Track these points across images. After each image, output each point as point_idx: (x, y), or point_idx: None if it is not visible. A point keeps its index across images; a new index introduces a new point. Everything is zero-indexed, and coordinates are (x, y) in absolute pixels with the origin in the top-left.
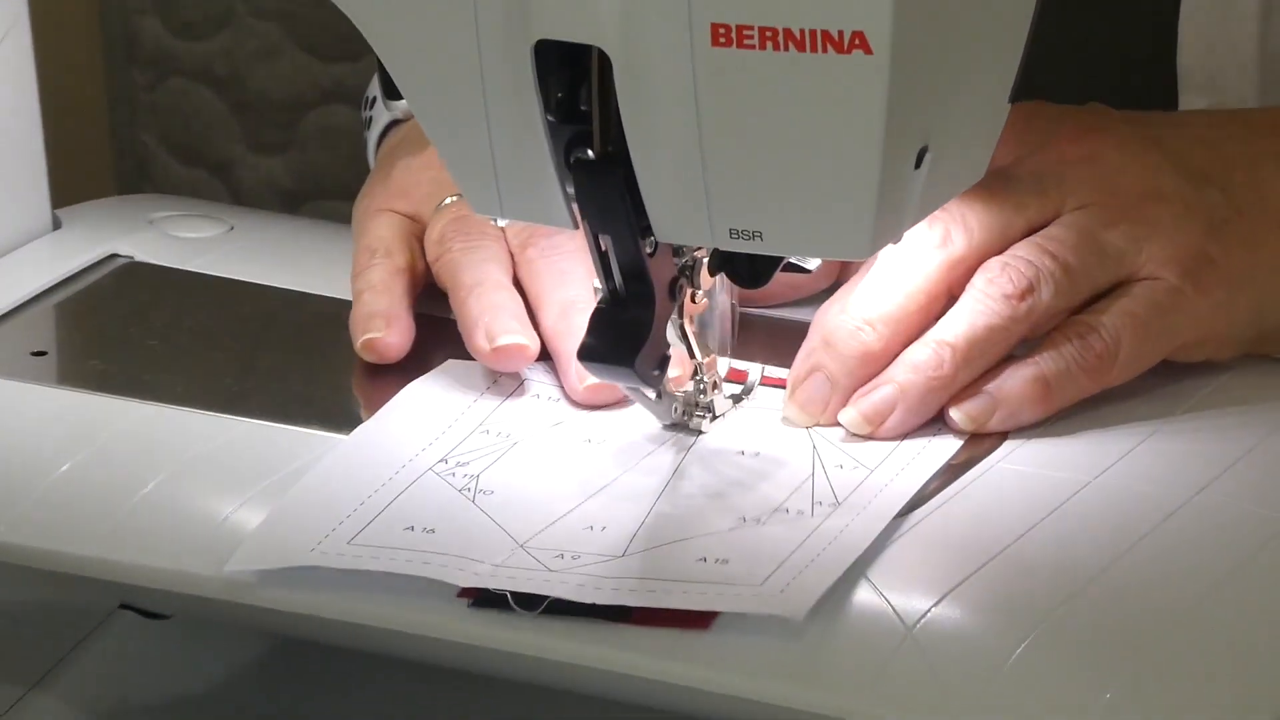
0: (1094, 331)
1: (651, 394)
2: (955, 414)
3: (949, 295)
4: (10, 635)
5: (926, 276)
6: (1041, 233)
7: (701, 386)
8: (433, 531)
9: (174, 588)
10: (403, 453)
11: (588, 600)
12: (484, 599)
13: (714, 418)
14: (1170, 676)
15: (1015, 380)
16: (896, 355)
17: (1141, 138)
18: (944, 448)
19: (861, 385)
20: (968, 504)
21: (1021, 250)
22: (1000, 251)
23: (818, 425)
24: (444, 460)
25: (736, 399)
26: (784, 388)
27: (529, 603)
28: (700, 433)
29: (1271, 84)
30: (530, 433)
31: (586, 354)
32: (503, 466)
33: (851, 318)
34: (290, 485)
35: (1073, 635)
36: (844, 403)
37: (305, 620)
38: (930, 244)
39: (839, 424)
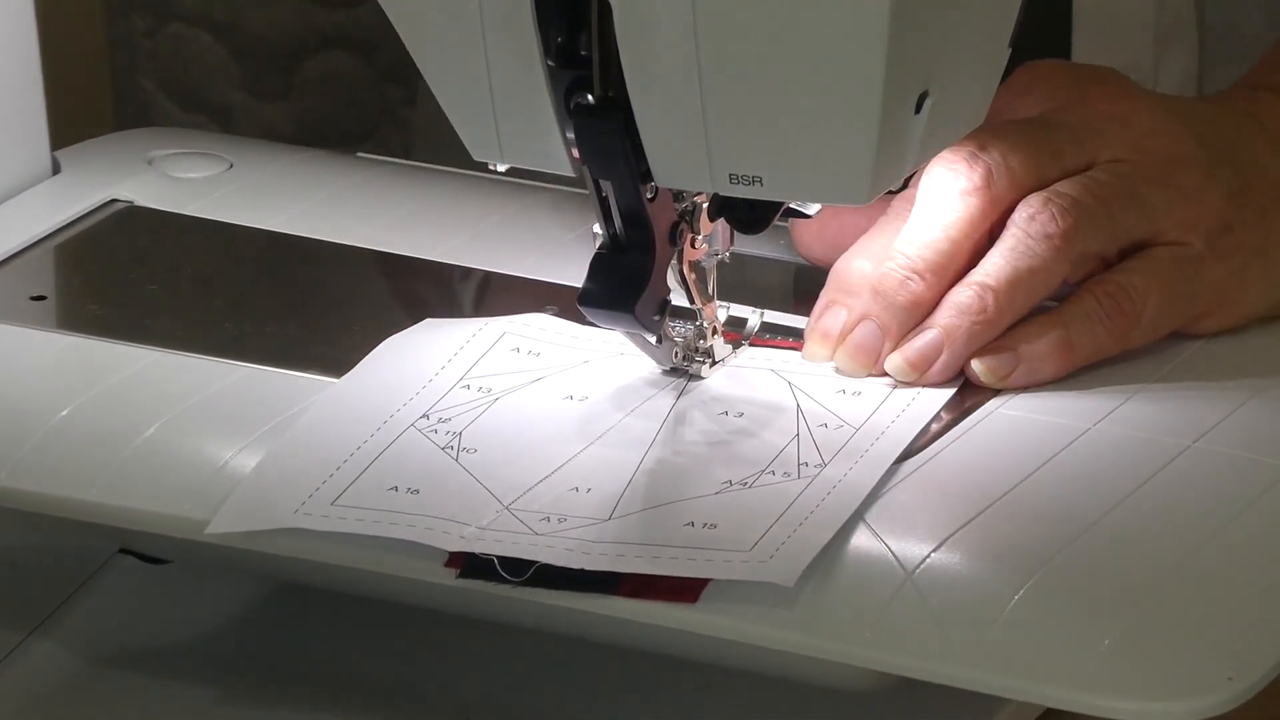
0: (1123, 292)
1: (652, 339)
2: (977, 366)
3: (993, 237)
4: (11, 580)
5: (971, 221)
6: (1084, 174)
7: (701, 331)
8: (417, 492)
9: (173, 533)
10: (384, 409)
11: (576, 565)
12: (470, 567)
13: (714, 363)
14: (1169, 624)
15: (1042, 341)
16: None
17: (1165, 108)
18: (932, 402)
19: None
20: (967, 449)
21: (1065, 187)
22: None
23: (867, 374)
24: (425, 416)
25: (737, 344)
26: (774, 346)
27: (516, 568)
28: (700, 378)
29: (1169, 28)
30: (510, 388)
31: (586, 299)
32: (485, 423)
33: (900, 266)
34: (290, 426)
35: (1072, 582)
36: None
37: (302, 565)
38: (973, 186)
39: (887, 373)
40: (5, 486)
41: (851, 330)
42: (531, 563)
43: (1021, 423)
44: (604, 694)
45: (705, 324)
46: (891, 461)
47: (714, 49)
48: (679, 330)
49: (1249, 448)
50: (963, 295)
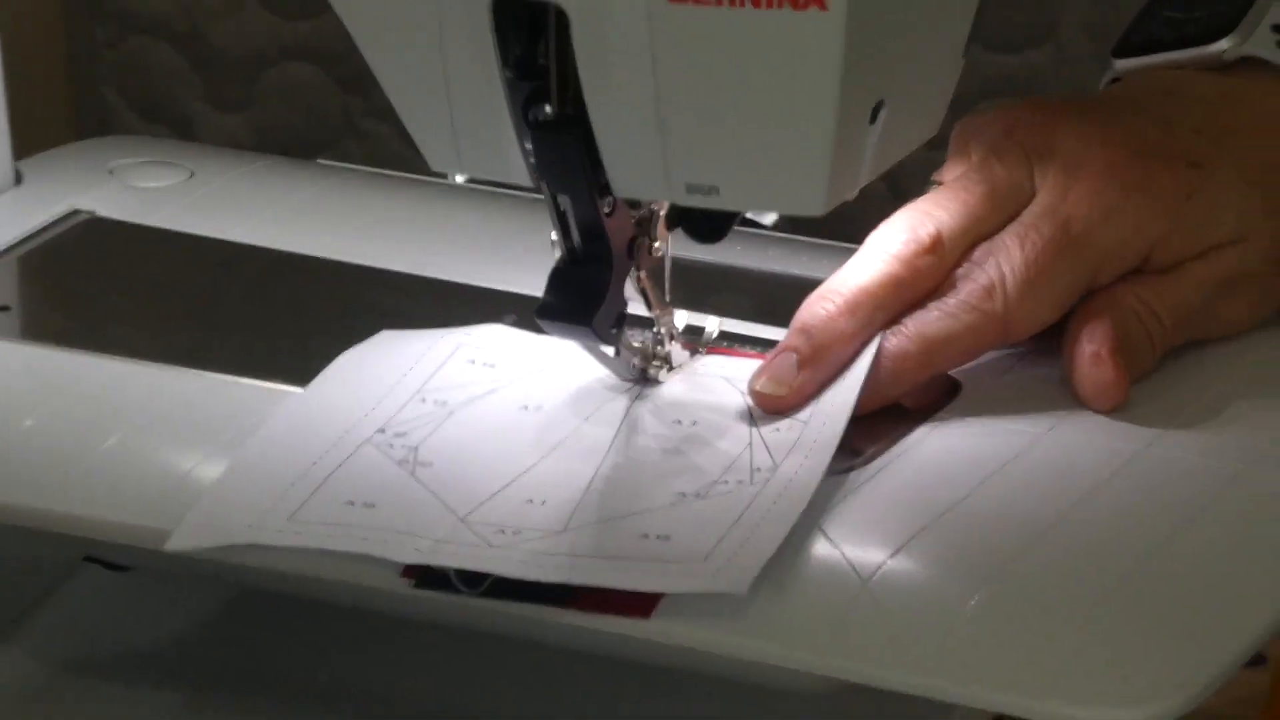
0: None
1: (610, 351)
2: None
3: (935, 289)
4: None
5: (912, 273)
6: (1023, 227)
7: (659, 337)
8: (373, 506)
9: (135, 543)
10: (340, 423)
11: (531, 578)
12: (426, 577)
13: (670, 368)
14: (1124, 630)
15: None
16: (863, 333)
17: (1080, 131)
18: (854, 378)
19: (829, 361)
20: (920, 459)
21: (1005, 259)
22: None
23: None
24: (382, 430)
25: (694, 352)
26: (732, 355)
27: (471, 580)
28: (658, 382)
29: None
30: (466, 400)
31: (544, 312)
32: (441, 437)
33: (825, 299)
34: (249, 439)
35: (1026, 588)
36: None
37: (262, 574)
38: (919, 243)
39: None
40: None
41: (775, 360)
42: (487, 575)
43: (974, 431)
44: (563, 694)
45: (662, 330)
46: (836, 442)
47: (671, 61)
48: (638, 339)
49: (1200, 453)
50: (890, 341)
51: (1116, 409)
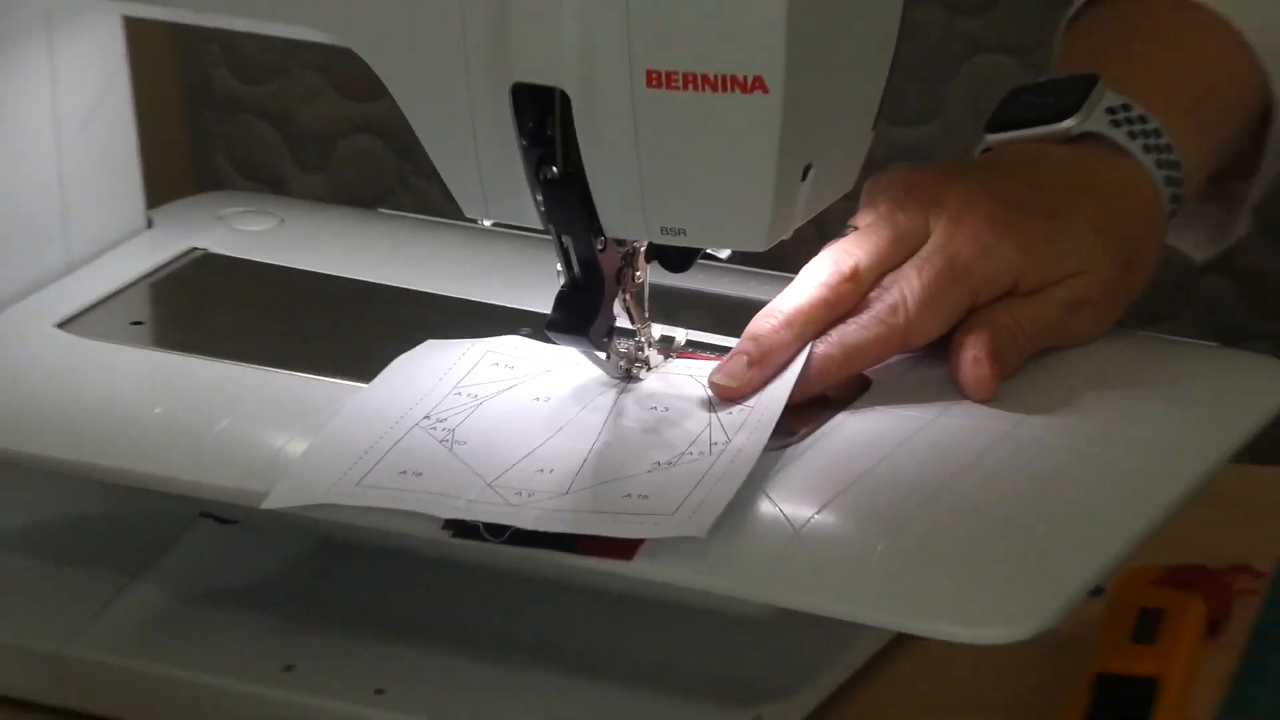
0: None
1: (602, 355)
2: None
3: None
4: (117, 537)
5: (837, 296)
6: (921, 259)
7: (640, 345)
8: (420, 474)
9: (240, 501)
10: (396, 411)
11: (542, 529)
12: (461, 529)
13: (649, 368)
14: (996, 567)
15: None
16: (798, 341)
17: (964, 189)
18: (790, 375)
19: (772, 362)
20: (840, 437)
21: (908, 284)
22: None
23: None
24: (427, 417)
25: (666, 356)
26: (695, 359)
27: (496, 531)
28: (640, 379)
29: None
30: (492, 394)
31: (552, 326)
32: (472, 421)
33: (770, 317)
34: (328, 422)
35: (921, 535)
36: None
37: (336, 526)
38: (840, 273)
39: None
40: (115, 466)
41: (730, 361)
42: (508, 527)
43: (881, 417)
44: (562, 618)
45: (642, 340)
46: (774, 423)
47: (648, 132)
48: (623, 346)
49: (1053, 433)
50: (818, 348)
51: (990, 400)
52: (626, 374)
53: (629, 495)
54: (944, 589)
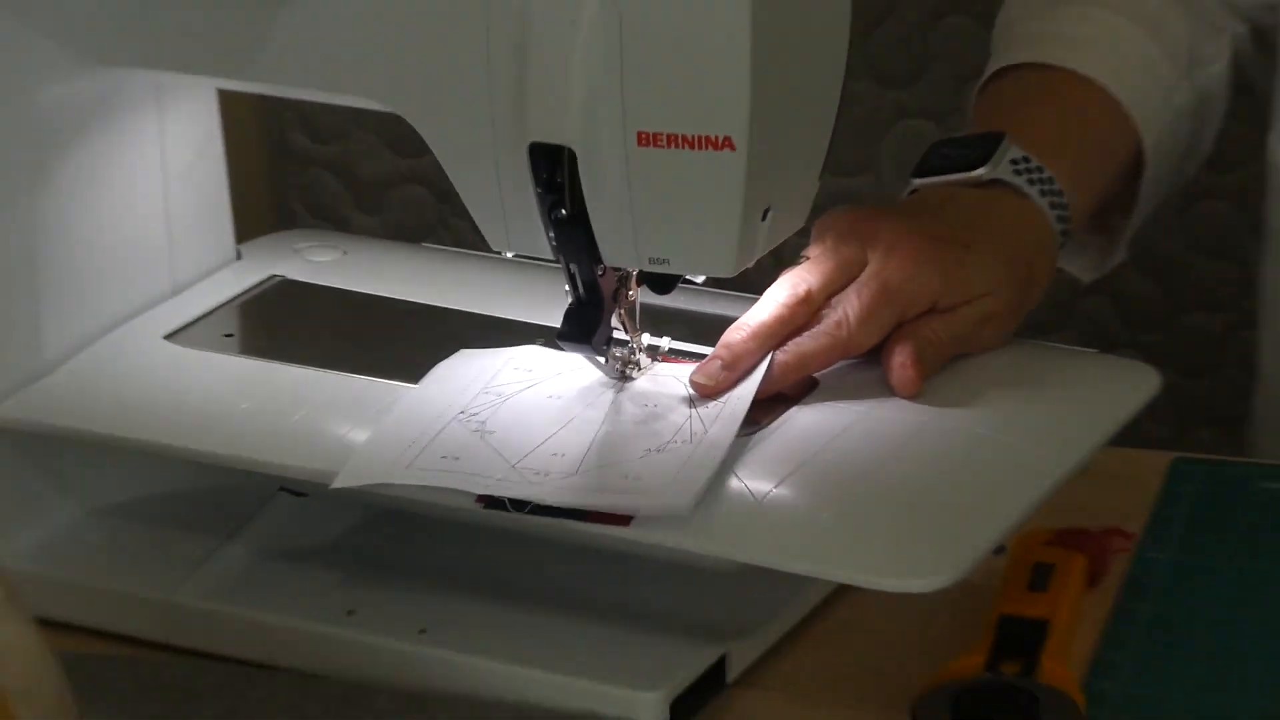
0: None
1: (602, 360)
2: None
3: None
4: (212, 507)
5: (790, 312)
6: (862, 283)
7: (632, 351)
8: (458, 459)
9: (312, 479)
10: (438, 408)
11: (556, 503)
12: (491, 503)
13: (640, 370)
14: (919, 530)
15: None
16: (762, 350)
17: (893, 225)
18: (756, 377)
19: (741, 366)
20: (795, 426)
21: (851, 305)
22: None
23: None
24: (463, 412)
25: (654, 359)
26: (678, 363)
27: (519, 505)
28: (633, 379)
29: None
30: (514, 393)
31: (562, 336)
32: (499, 415)
33: (740, 328)
34: (383, 416)
35: (859, 505)
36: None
37: (390, 499)
38: (795, 296)
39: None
40: (210, 450)
41: (707, 364)
42: (529, 501)
43: (828, 410)
44: (570, 572)
45: (634, 347)
46: (743, 416)
47: (639, 181)
48: (619, 352)
49: (965, 422)
50: (778, 356)
51: (914, 397)
52: (622, 375)
53: (625, 477)
54: (877, 548)
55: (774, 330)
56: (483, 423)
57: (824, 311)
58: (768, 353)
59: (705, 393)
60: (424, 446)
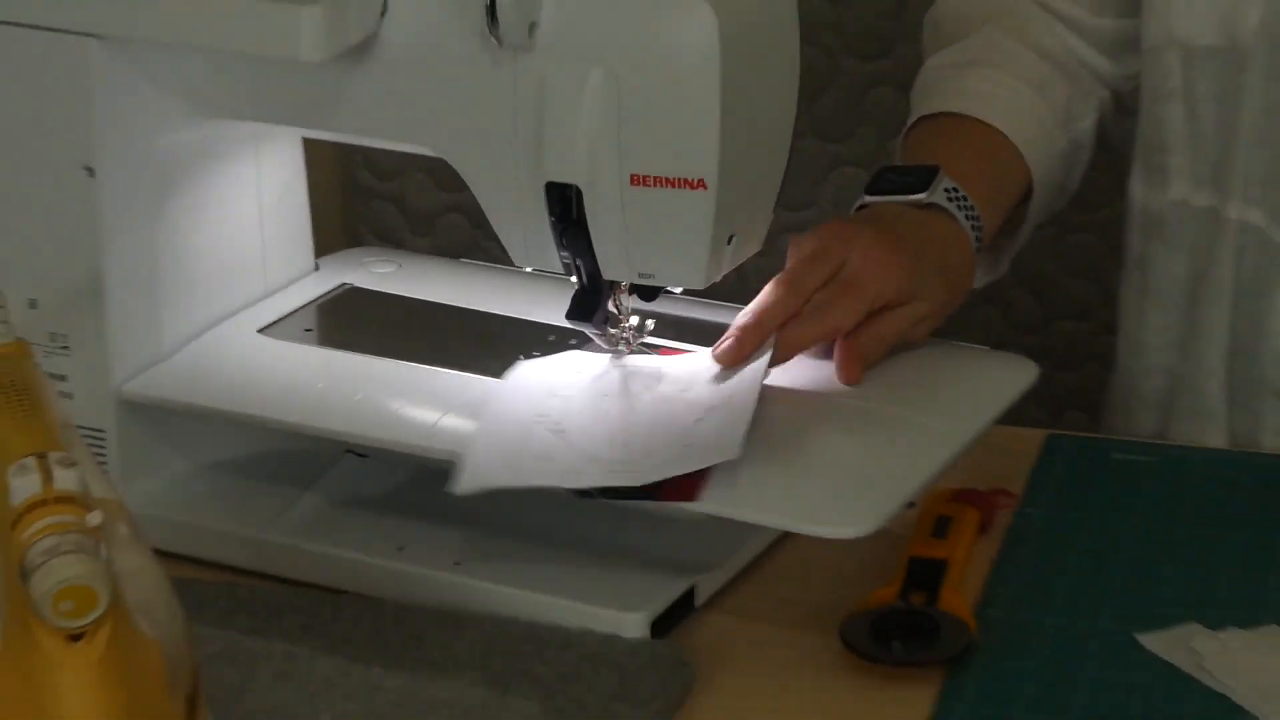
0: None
1: (600, 334)
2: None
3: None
4: (293, 464)
5: (784, 300)
6: (840, 281)
7: (622, 329)
8: (551, 459)
9: (370, 443)
10: (519, 417)
11: (631, 484)
12: (583, 493)
13: (629, 344)
14: (849, 488)
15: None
16: (762, 333)
17: (869, 234)
18: (760, 363)
19: (752, 341)
20: (762, 407)
21: (830, 295)
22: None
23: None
24: (540, 415)
25: (638, 334)
26: (664, 354)
27: (609, 492)
28: (622, 352)
29: None
30: (573, 394)
31: (570, 315)
32: (568, 416)
33: (750, 311)
34: (432, 407)
35: (807, 468)
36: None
37: (435, 462)
38: (785, 278)
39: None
40: (292, 421)
41: (725, 342)
42: (613, 487)
43: (790, 395)
44: (572, 520)
45: (624, 325)
46: (761, 383)
47: (632, 214)
48: (613, 329)
49: (894, 404)
50: (779, 335)
51: (856, 383)
52: (614, 348)
53: (686, 445)
54: (814, 502)
55: (775, 314)
56: (556, 423)
57: (811, 304)
58: (770, 332)
59: (725, 363)
60: (518, 451)
